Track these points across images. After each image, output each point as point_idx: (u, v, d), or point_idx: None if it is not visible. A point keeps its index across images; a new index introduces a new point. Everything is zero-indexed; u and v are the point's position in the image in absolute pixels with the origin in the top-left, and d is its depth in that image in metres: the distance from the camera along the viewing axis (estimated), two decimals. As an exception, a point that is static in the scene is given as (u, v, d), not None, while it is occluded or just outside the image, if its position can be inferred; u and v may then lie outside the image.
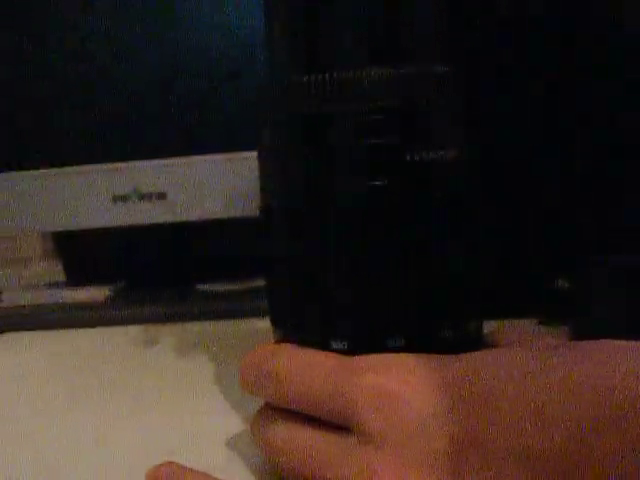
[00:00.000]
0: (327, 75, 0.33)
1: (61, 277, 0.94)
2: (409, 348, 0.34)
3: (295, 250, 0.35)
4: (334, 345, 0.34)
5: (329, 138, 0.33)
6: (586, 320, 0.57)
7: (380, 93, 0.33)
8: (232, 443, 0.43)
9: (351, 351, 0.34)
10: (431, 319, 0.34)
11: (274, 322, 0.37)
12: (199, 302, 0.79)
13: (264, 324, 0.65)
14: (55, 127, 0.81)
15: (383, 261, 0.33)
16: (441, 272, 0.34)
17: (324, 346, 0.34)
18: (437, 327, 0.34)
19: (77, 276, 0.90)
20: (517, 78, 0.62)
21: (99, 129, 0.81)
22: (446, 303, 0.34)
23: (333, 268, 0.34)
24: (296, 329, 0.36)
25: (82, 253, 0.90)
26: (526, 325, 0.63)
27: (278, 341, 0.37)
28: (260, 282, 0.82)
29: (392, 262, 0.33)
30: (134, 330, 0.75)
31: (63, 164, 0.80)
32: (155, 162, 0.80)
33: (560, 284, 0.61)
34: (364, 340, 0.34)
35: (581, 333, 0.57)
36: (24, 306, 0.83)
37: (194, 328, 0.73)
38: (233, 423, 0.46)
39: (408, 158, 0.33)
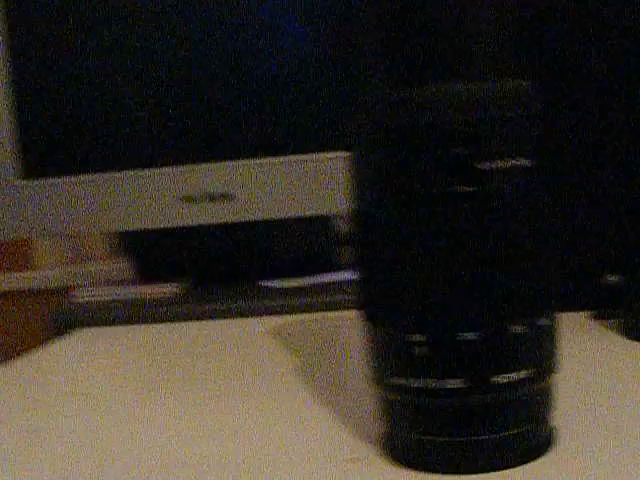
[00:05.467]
0: (417, 90, 0.37)
1: (127, 275, 0.98)
2: (484, 342, 0.37)
3: (385, 253, 0.38)
4: (414, 338, 0.37)
5: (419, 148, 0.36)
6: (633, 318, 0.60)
7: (464, 108, 0.36)
8: (309, 431, 0.47)
9: (430, 344, 0.37)
10: (502, 315, 0.37)
11: (366, 318, 0.40)
12: (263, 298, 0.82)
13: (324, 317, 0.69)
14: (127, 130, 0.85)
15: (461, 263, 0.36)
16: (513, 272, 0.37)
17: (406, 339, 0.37)
18: (508, 322, 0.37)
19: (146, 274, 0.94)
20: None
21: (169, 132, 0.84)
22: (517, 300, 0.37)
23: (418, 270, 0.37)
24: (384, 323, 0.39)
25: (151, 251, 0.94)
26: (581, 318, 0.65)
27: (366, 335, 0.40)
28: (319, 279, 0.86)
29: (469, 263, 0.36)
30: (202, 325, 0.78)
31: (135, 166, 0.84)
32: (222, 164, 0.84)
33: (610, 279, 0.63)
34: (441, 334, 0.37)
35: (632, 327, 0.60)
36: (96, 302, 0.86)
37: (259, 322, 0.76)
38: (304, 410, 0.50)
39: (490, 167, 0.36)
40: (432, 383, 0.37)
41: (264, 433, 0.47)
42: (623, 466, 0.38)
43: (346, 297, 0.77)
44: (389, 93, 0.38)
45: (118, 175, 0.84)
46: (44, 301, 1.02)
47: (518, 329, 0.37)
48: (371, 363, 0.40)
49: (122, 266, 1.03)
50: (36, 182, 0.86)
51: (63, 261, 1.16)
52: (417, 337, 0.37)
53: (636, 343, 0.58)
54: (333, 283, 0.85)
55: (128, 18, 0.84)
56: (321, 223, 0.90)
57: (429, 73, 0.38)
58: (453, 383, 0.37)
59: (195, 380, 0.60)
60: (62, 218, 0.85)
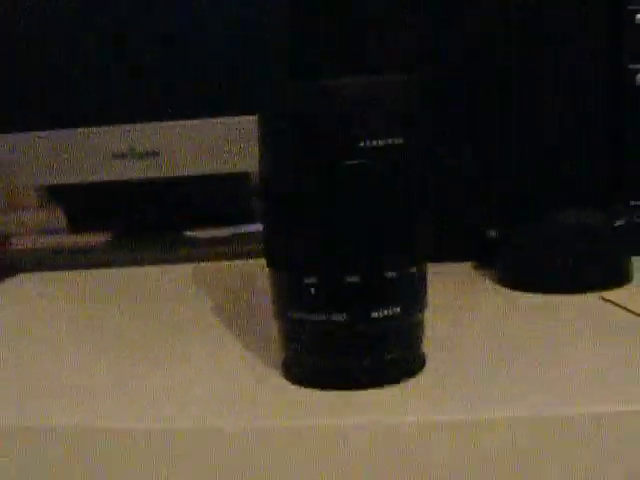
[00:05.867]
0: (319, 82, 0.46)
1: (59, 224, 1.05)
2: (366, 285, 0.46)
3: (284, 210, 0.47)
4: (306, 280, 0.46)
5: (317, 130, 0.46)
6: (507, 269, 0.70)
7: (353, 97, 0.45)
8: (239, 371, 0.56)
9: (321, 285, 0.46)
10: (379, 263, 0.46)
11: (269, 264, 0.49)
12: (187, 247, 0.91)
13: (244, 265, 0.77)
14: (63, 92, 0.92)
15: (347, 219, 0.46)
16: (388, 228, 0.46)
17: (301, 281, 0.46)
18: (384, 269, 0.46)
19: (78, 224, 1.01)
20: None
21: (101, 94, 0.92)
22: (391, 251, 0.46)
23: (312, 224, 0.46)
24: (284, 268, 0.48)
25: (83, 203, 1.01)
26: (465, 268, 0.75)
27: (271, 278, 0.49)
28: (238, 229, 0.94)
29: (353, 220, 0.46)
30: (130, 271, 0.86)
31: (70, 126, 0.91)
32: (149, 124, 0.91)
33: (490, 234, 0.73)
34: (330, 277, 0.46)
35: (502, 277, 0.70)
36: (31, 250, 0.94)
37: (183, 269, 0.85)
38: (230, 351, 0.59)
39: (370, 144, 0.46)
40: (323, 317, 0.47)
41: (182, 363, 0.56)
42: (475, 386, 0.48)
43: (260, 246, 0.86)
44: (297, 82, 0.47)
45: (55, 133, 0.91)
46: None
47: (392, 274, 0.47)
48: (274, 301, 0.49)
49: (54, 216, 1.10)
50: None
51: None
52: (311, 279, 0.46)
53: (504, 289, 0.68)
54: (250, 233, 0.94)
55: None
56: (240, 179, 0.98)
57: (332, 67, 0.47)
58: (340, 317, 0.46)
59: (122, 319, 0.68)
60: (6, 172, 0.92)
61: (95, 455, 0.46)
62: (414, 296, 0.48)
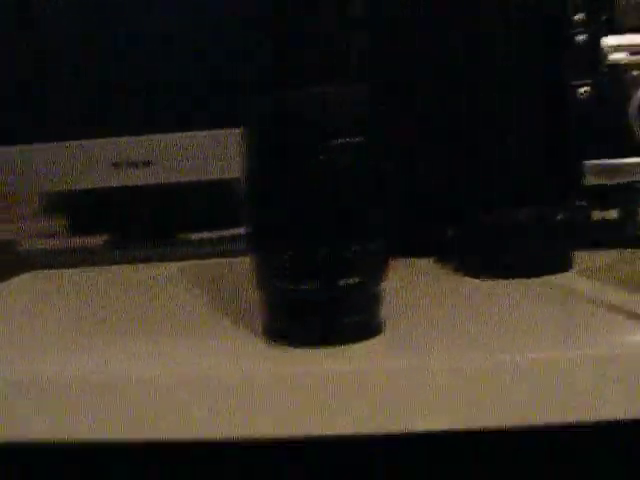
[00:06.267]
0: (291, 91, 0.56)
1: (60, 231, 1.15)
2: (332, 258, 0.56)
3: (264, 200, 0.57)
4: (284, 254, 0.56)
5: (290, 132, 0.56)
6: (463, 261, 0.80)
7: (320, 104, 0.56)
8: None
9: (295, 257, 0.56)
10: (344, 238, 0.56)
11: (251, 245, 0.60)
12: (179, 246, 1.00)
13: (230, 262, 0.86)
14: (67, 107, 1.02)
15: (317, 204, 0.56)
16: (351, 210, 0.56)
17: (279, 255, 0.56)
18: (348, 244, 0.56)
19: (79, 229, 1.11)
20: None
21: (101, 109, 1.02)
22: (353, 229, 0.57)
23: (287, 209, 0.56)
24: (263, 247, 0.58)
25: (84, 209, 1.11)
26: (425, 264, 0.85)
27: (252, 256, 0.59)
28: (227, 232, 1.04)
29: (322, 205, 0.56)
30: (126, 268, 0.96)
31: (73, 138, 1.01)
32: (144, 137, 1.01)
33: (450, 232, 0.83)
34: (302, 251, 0.56)
35: (461, 270, 0.80)
36: (37, 250, 1.03)
37: (176, 267, 0.94)
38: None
39: (336, 140, 0.56)
40: (297, 285, 0.56)
41: (176, 328, 0.66)
42: (426, 349, 0.58)
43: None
44: (273, 93, 0.57)
45: (59, 144, 1.01)
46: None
47: (355, 248, 0.56)
48: (256, 274, 0.59)
49: (56, 221, 1.20)
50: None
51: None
52: (286, 255, 0.56)
53: (457, 276, 0.78)
54: (238, 235, 1.04)
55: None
56: (228, 185, 1.07)
57: (302, 78, 0.57)
58: (312, 284, 0.56)
59: (124, 309, 0.77)
60: (11, 181, 1.02)
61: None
62: (374, 268, 0.58)
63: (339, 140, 0.56)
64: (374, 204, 0.58)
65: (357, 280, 0.57)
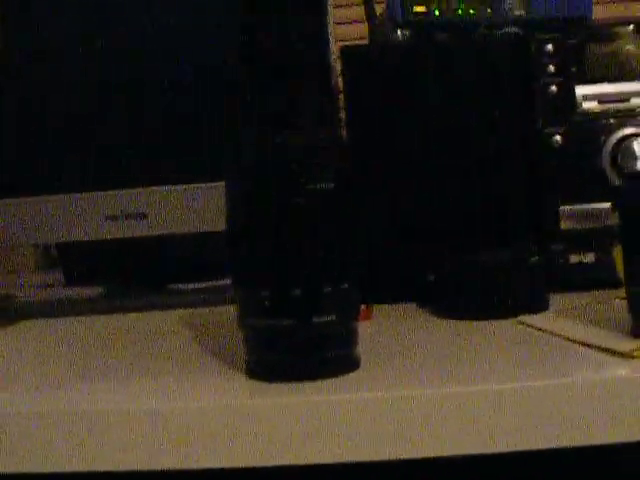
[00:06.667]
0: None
1: (56, 282, 1.18)
2: (308, 297, 0.59)
3: (245, 241, 0.61)
4: (263, 294, 0.59)
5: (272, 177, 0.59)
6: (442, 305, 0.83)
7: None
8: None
9: (273, 298, 0.59)
10: (317, 279, 0.59)
11: (234, 284, 0.63)
12: (171, 296, 1.04)
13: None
14: (63, 160, 1.06)
15: (292, 245, 0.59)
16: (324, 252, 0.59)
17: (258, 295, 0.59)
18: (321, 284, 0.59)
19: (74, 279, 1.14)
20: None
21: (96, 163, 1.06)
22: (327, 270, 0.60)
23: (266, 251, 0.59)
24: (245, 285, 0.61)
25: (79, 260, 1.14)
26: (407, 307, 0.88)
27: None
28: (216, 282, 1.07)
29: (297, 246, 0.59)
30: (120, 317, 0.99)
31: (69, 191, 1.05)
32: (138, 189, 1.05)
33: (429, 278, 0.86)
34: (279, 291, 0.59)
35: (440, 315, 0.82)
36: (34, 300, 1.07)
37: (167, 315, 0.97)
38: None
39: (311, 186, 0.59)
40: (274, 322, 0.59)
41: (166, 368, 0.68)
42: (404, 382, 0.61)
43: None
44: (254, 139, 0.61)
45: (56, 197, 1.05)
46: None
47: (328, 288, 0.59)
48: (238, 312, 0.62)
49: (50, 276, 1.23)
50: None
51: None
52: (264, 293, 0.59)
53: (436, 318, 0.81)
54: (226, 285, 1.07)
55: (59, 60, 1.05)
56: (218, 237, 1.10)
57: (277, 128, 0.60)
58: (288, 322, 0.59)
59: (119, 354, 0.80)
60: (10, 232, 1.05)
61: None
62: (347, 306, 0.61)
63: (315, 185, 0.59)
64: (348, 245, 0.61)
65: (332, 317, 0.60)
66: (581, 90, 0.88)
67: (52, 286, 1.14)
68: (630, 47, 0.88)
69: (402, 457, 0.57)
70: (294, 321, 0.59)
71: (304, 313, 0.59)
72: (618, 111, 0.88)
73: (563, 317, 0.77)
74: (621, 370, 0.60)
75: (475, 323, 0.78)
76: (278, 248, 0.59)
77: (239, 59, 0.62)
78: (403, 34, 0.96)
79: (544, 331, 0.72)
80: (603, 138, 0.87)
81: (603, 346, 0.64)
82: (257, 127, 0.61)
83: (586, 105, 0.88)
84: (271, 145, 0.60)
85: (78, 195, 1.04)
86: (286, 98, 0.61)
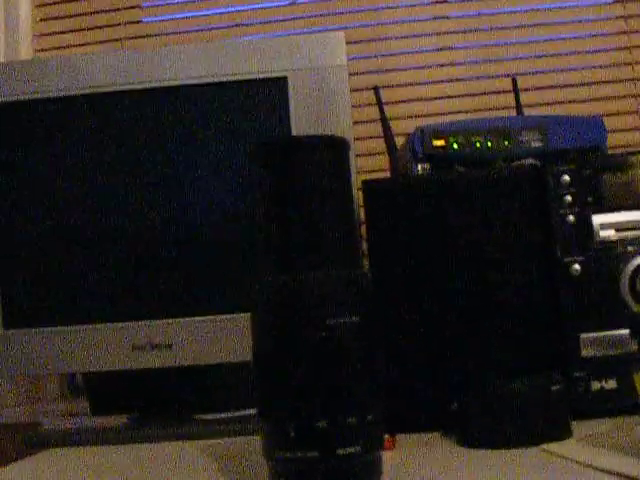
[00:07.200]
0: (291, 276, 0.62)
1: (79, 411, 1.19)
2: (332, 429, 0.60)
3: (270, 378, 0.62)
4: (288, 426, 0.60)
5: (295, 314, 0.61)
6: (465, 434, 0.83)
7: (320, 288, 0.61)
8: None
9: (297, 430, 0.60)
10: (342, 411, 0.60)
11: (260, 417, 0.64)
12: (196, 426, 1.04)
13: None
14: (89, 293, 1.08)
15: (317, 380, 0.60)
16: (349, 385, 0.61)
17: (282, 427, 0.60)
18: (346, 416, 0.60)
19: (99, 408, 1.15)
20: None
21: (123, 297, 1.08)
22: (352, 402, 0.61)
23: (291, 386, 0.61)
24: (270, 419, 0.62)
25: (104, 389, 1.15)
26: (431, 437, 0.88)
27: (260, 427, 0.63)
28: (242, 412, 1.07)
29: (323, 381, 0.60)
30: (148, 447, 0.99)
31: (95, 321, 1.07)
32: (163, 321, 1.07)
33: (453, 407, 0.86)
34: (304, 423, 0.60)
35: (464, 444, 0.83)
36: (59, 429, 1.07)
37: (193, 445, 0.97)
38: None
39: (334, 321, 0.61)
40: (299, 454, 0.60)
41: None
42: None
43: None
44: (274, 277, 0.62)
45: (82, 327, 1.07)
46: (13, 432, 1.22)
47: (353, 421, 0.60)
48: (264, 444, 0.63)
49: (75, 405, 1.24)
50: (14, 332, 1.08)
51: (23, 401, 1.37)
52: (289, 426, 0.60)
53: (464, 449, 0.81)
54: (251, 415, 1.07)
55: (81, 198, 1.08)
56: (243, 368, 1.11)
57: (301, 263, 0.62)
58: (313, 454, 0.60)
59: None
60: (37, 361, 1.07)
61: None
62: (372, 437, 0.62)
63: (337, 319, 0.61)
64: (369, 378, 0.62)
65: (356, 449, 0.60)
66: (598, 219, 0.90)
67: (77, 415, 1.14)
68: (645, 176, 0.91)
69: None
70: (319, 453, 0.60)
71: (329, 445, 0.60)
72: (635, 238, 0.90)
73: (586, 445, 0.77)
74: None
75: (499, 452, 0.78)
76: (303, 380, 0.61)
77: (261, 197, 0.65)
78: (423, 167, 0.99)
79: (567, 459, 0.73)
80: (621, 266, 0.89)
81: (627, 474, 0.64)
82: (279, 262, 0.63)
83: (603, 233, 0.90)
84: (291, 281, 0.62)
85: (105, 325, 1.07)
86: (307, 232, 0.63)
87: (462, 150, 0.99)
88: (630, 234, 0.90)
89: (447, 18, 1.58)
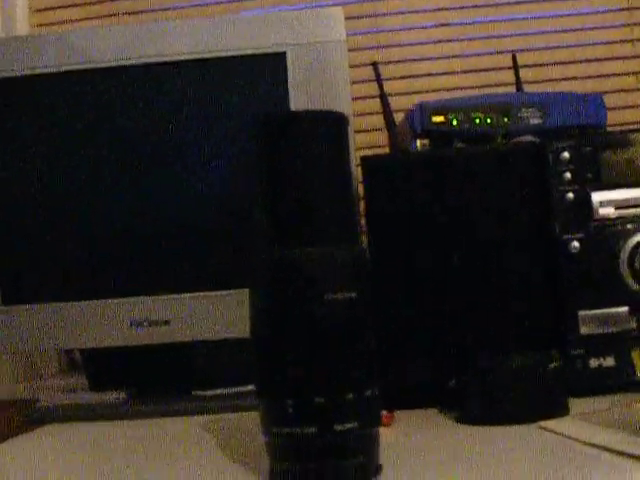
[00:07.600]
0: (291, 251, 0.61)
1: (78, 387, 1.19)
2: (330, 405, 0.60)
3: (266, 356, 0.62)
4: (286, 403, 0.60)
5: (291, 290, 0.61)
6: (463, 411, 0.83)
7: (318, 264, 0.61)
8: None
9: (296, 406, 0.60)
10: (340, 387, 0.60)
11: (257, 394, 0.64)
12: (194, 402, 1.04)
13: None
14: (89, 269, 1.08)
15: (315, 355, 0.60)
16: (346, 360, 0.60)
17: (280, 404, 0.60)
18: (344, 392, 0.60)
19: (98, 384, 1.15)
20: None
21: (121, 272, 1.08)
22: (350, 378, 0.61)
23: (288, 361, 0.61)
24: (268, 395, 0.62)
25: (103, 365, 1.15)
26: (428, 414, 0.88)
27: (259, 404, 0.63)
28: (239, 388, 1.07)
29: (320, 356, 0.60)
30: (146, 423, 0.99)
31: (94, 297, 1.07)
32: (161, 297, 1.06)
33: (451, 384, 0.86)
34: (303, 399, 0.60)
35: (461, 420, 0.83)
36: (58, 405, 1.07)
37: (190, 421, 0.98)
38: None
39: (332, 297, 0.61)
40: (297, 430, 0.60)
41: (188, 475, 0.69)
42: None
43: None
44: (271, 253, 0.62)
45: (80, 303, 1.07)
46: (11, 409, 1.22)
47: (351, 397, 0.60)
48: (261, 420, 0.63)
49: (73, 380, 1.24)
50: (12, 307, 1.08)
51: (21, 377, 1.37)
52: (288, 402, 0.60)
53: (461, 425, 0.82)
54: (249, 391, 1.07)
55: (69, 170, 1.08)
56: (240, 343, 1.11)
57: (298, 238, 0.62)
58: (311, 429, 0.60)
59: (142, 460, 0.81)
60: (34, 337, 1.07)
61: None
62: (369, 414, 0.62)
63: (334, 295, 0.60)
64: (367, 355, 0.62)
65: (353, 425, 0.60)
66: (597, 196, 0.90)
67: (75, 390, 1.14)
68: (644, 153, 0.91)
69: None
70: (317, 429, 0.60)
71: (326, 421, 0.60)
72: (634, 216, 0.89)
73: (583, 422, 0.77)
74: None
75: (496, 429, 0.78)
76: (301, 357, 0.60)
77: (257, 171, 0.64)
78: (422, 143, 0.99)
79: (564, 436, 0.73)
80: (620, 243, 0.89)
81: (624, 451, 0.64)
82: (276, 237, 0.63)
83: (602, 211, 0.90)
84: (289, 256, 0.62)
85: (102, 301, 1.06)
86: (305, 208, 0.63)
87: (461, 126, 0.99)
88: (629, 211, 0.90)
89: (447, -6, 1.57)
